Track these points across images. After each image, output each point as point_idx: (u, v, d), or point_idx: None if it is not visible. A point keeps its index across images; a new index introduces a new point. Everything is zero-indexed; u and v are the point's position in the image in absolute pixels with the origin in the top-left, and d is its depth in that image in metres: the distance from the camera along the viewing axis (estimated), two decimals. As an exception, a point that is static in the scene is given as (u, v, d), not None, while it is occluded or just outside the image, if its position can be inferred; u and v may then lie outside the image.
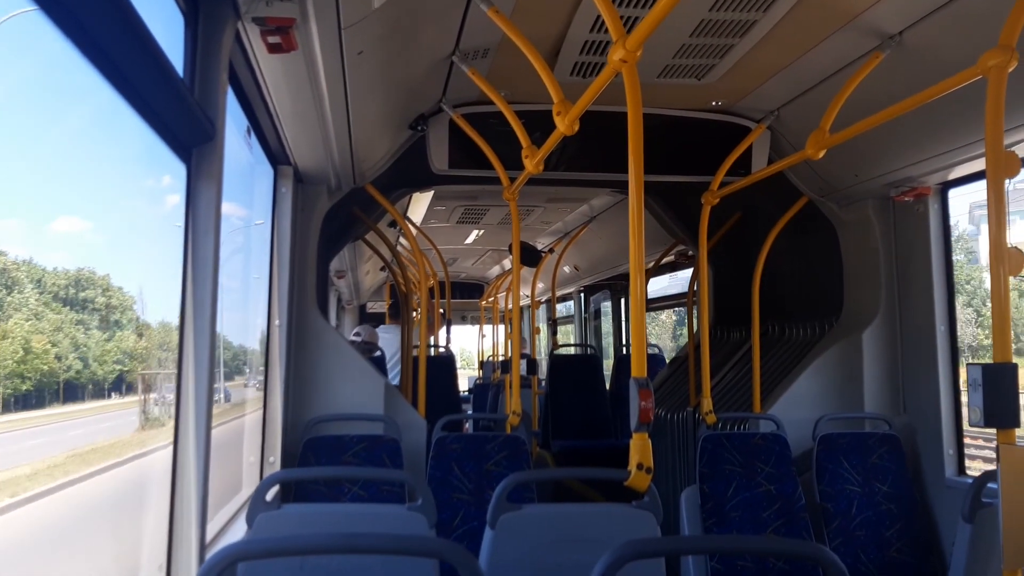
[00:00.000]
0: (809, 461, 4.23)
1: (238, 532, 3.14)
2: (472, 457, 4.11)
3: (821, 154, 3.66)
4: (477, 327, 14.37)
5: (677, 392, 5.91)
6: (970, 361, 4.23)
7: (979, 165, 3.77)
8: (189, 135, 2.24)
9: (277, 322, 4.04)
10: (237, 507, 3.63)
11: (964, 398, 4.24)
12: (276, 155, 3.89)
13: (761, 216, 5.24)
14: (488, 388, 9.97)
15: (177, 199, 2.33)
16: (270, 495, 2.65)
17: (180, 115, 2.11)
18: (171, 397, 2.34)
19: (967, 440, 4.50)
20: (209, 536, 2.51)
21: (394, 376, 7.74)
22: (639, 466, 2.35)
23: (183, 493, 2.27)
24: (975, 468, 5.36)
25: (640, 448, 2.34)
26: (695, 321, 6.15)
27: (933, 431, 4.24)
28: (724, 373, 5.60)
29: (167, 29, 2.11)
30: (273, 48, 2.42)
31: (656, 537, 2.70)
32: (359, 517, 2.66)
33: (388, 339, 8.23)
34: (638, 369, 2.31)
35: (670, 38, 3.57)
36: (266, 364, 4.06)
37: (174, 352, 2.33)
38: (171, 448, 2.31)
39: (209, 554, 1.86)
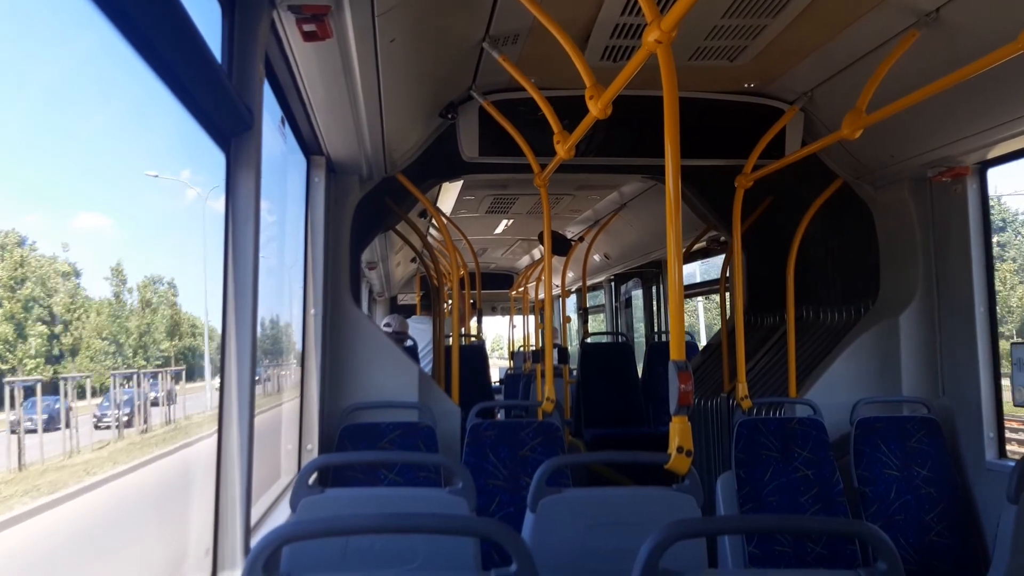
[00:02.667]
0: (846, 446, 4.19)
1: (280, 516, 3.18)
2: (507, 443, 4.13)
3: (857, 134, 3.61)
4: (506, 317, 14.38)
5: (711, 378, 5.88)
6: (1015, 341, 4.15)
7: (1020, 143, 3.70)
8: (228, 124, 2.27)
9: (313, 311, 4.08)
10: (277, 493, 3.67)
11: (1005, 380, 4.21)
12: (309, 145, 3.92)
13: (794, 199, 5.19)
14: (519, 379, 9.98)
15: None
16: (311, 480, 2.69)
17: (220, 104, 2.13)
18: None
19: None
20: (253, 520, 2.54)
21: (426, 366, 7.78)
22: (679, 449, 2.34)
23: (228, 479, 2.31)
24: (1015, 453, 5.28)
25: (680, 431, 2.34)
26: (728, 307, 6.11)
27: (973, 414, 4.18)
28: (758, 359, 5.56)
29: (206, 20, 2.14)
30: (308, 36, 2.44)
31: (702, 517, 2.69)
32: (401, 500, 2.68)
33: (421, 329, 8.27)
34: (677, 352, 2.31)
35: (702, 19, 3.54)
36: (303, 352, 4.11)
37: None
38: (215, 435, 2.34)
39: (254, 538, 1.89)
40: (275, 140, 3.59)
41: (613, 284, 11.61)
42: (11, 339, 1.79)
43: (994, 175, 4.30)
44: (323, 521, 1.61)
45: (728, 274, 6.25)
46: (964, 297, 4.22)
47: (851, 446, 4.15)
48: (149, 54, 1.77)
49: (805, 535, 3.78)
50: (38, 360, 1.89)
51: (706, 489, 2.90)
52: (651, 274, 10.41)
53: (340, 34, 2.57)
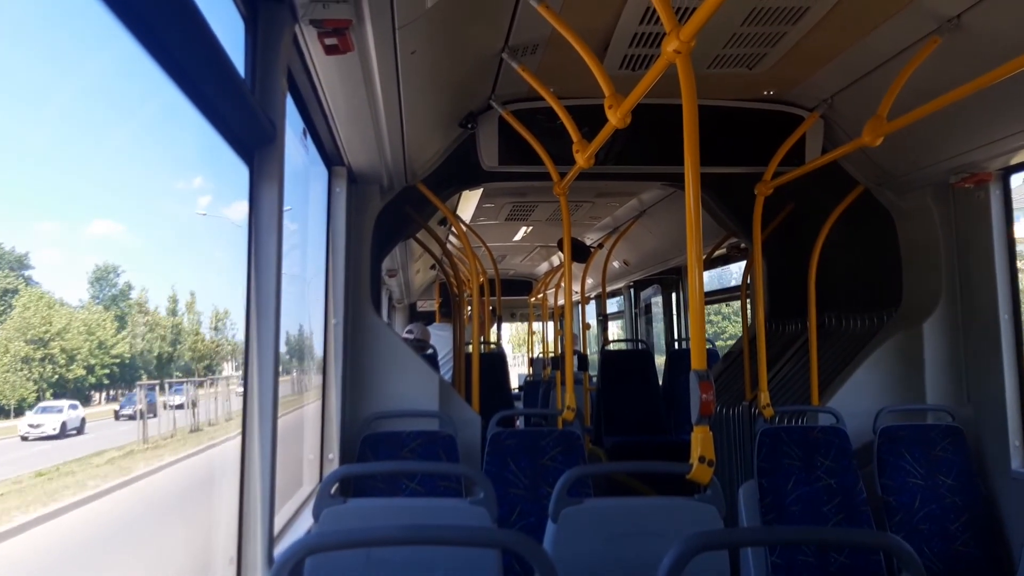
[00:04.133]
0: (869, 454, 4.16)
1: (303, 525, 3.20)
2: (527, 452, 4.13)
3: (879, 142, 3.59)
4: (525, 323, 14.38)
5: (732, 386, 5.85)
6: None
7: None
8: (251, 137, 2.29)
9: (334, 321, 4.11)
10: (300, 502, 3.70)
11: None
12: (330, 156, 3.95)
13: (815, 206, 5.16)
14: (538, 385, 9.97)
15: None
16: (333, 490, 2.71)
17: (243, 118, 2.16)
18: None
19: None
20: (276, 528, 2.56)
21: (445, 373, 7.80)
22: (701, 459, 2.34)
23: (251, 488, 2.32)
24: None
25: (702, 441, 2.33)
26: (749, 314, 6.09)
27: (998, 422, 4.13)
28: (780, 366, 5.53)
29: (229, 35, 2.17)
30: (330, 50, 2.47)
31: (725, 528, 2.68)
32: (423, 511, 2.69)
33: (442, 337, 8.29)
34: (698, 361, 2.30)
35: (721, 28, 3.54)
36: (324, 362, 4.13)
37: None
38: (239, 444, 2.36)
39: (277, 547, 1.90)
40: (297, 152, 3.63)
41: (632, 291, 11.59)
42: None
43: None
44: (346, 532, 1.62)
45: (749, 281, 6.23)
46: (988, 304, 4.18)
47: (874, 455, 4.12)
48: (174, 69, 1.80)
49: (829, 546, 3.75)
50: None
51: (728, 498, 2.89)
52: (671, 281, 10.39)
53: (361, 47, 2.59)
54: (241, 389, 2.37)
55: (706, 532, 1.74)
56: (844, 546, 3.37)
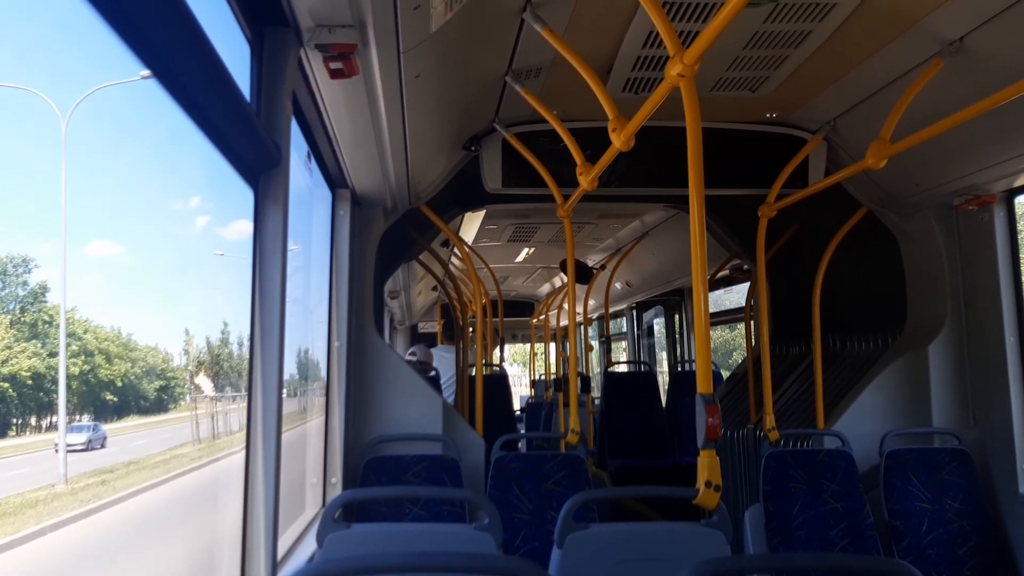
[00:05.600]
0: (876, 478, 4.13)
1: (306, 550, 3.18)
2: (531, 476, 4.10)
3: (882, 164, 3.59)
4: (527, 344, 14.36)
5: (737, 409, 5.82)
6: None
7: None
8: (257, 161, 2.30)
9: (337, 343, 4.10)
10: (303, 527, 3.67)
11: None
12: (335, 179, 3.96)
13: (819, 228, 5.16)
14: (540, 407, 9.93)
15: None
16: (336, 515, 2.68)
17: (248, 141, 2.16)
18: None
19: None
20: (280, 553, 2.54)
21: (448, 395, 7.77)
22: (707, 484, 2.32)
23: (254, 513, 2.31)
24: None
25: (708, 465, 2.31)
26: (753, 336, 6.07)
27: (1005, 445, 4.11)
28: (785, 389, 5.51)
29: (235, 60, 2.17)
30: (335, 74, 2.47)
31: (733, 555, 2.65)
32: (428, 536, 2.67)
33: (445, 359, 8.26)
34: (704, 385, 2.29)
35: (724, 51, 3.55)
36: (327, 385, 4.12)
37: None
38: (243, 469, 2.35)
39: (281, 572, 1.88)
40: (301, 174, 3.63)
41: (635, 312, 11.57)
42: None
43: None
44: (350, 560, 1.61)
45: (753, 303, 6.22)
46: (994, 326, 4.17)
47: (881, 478, 4.09)
48: (179, 93, 1.80)
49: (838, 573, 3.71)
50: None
51: (733, 521, 2.87)
52: (673, 302, 10.37)
53: (366, 71, 2.60)
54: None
55: (714, 560, 1.72)
56: (854, 573, 3.34)
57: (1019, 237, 4.21)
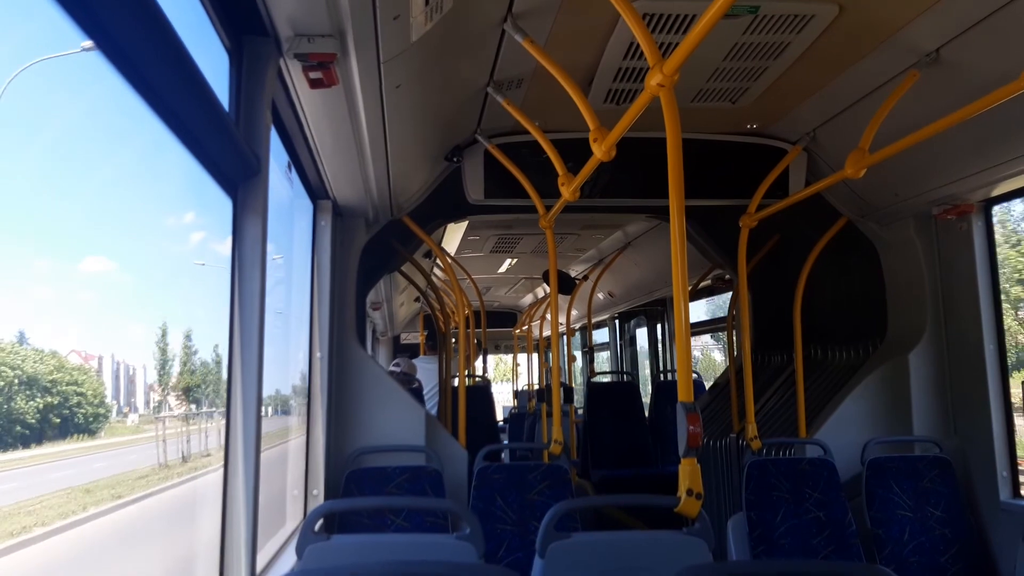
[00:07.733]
0: (858, 486, 4.14)
1: (286, 563, 3.14)
2: (514, 487, 4.08)
3: (861, 174, 3.62)
4: (509, 354, 14.34)
5: (719, 418, 5.84)
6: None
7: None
8: (235, 170, 2.28)
9: (318, 355, 4.07)
10: (283, 539, 3.63)
11: (1019, 418, 4.17)
12: (315, 190, 3.94)
13: (800, 238, 5.19)
14: (524, 417, 9.91)
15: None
16: (317, 526, 2.66)
17: (227, 151, 2.15)
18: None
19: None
20: (259, 566, 2.51)
21: (431, 406, 7.73)
22: (689, 492, 2.31)
23: (233, 525, 2.28)
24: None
25: (689, 474, 2.31)
26: (735, 346, 6.09)
27: (986, 453, 4.13)
28: (767, 398, 5.53)
29: (213, 69, 2.16)
30: (314, 83, 2.46)
31: (714, 563, 2.65)
32: (409, 547, 2.64)
33: (428, 370, 8.23)
34: (685, 393, 2.29)
35: (704, 62, 3.57)
36: (308, 397, 4.09)
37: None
38: (221, 482, 2.32)
39: None
40: (282, 185, 3.61)
41: (618, 322, 11.59)
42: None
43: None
44: (329, 571, 1.59)
45: (735, 313, 6.24)
46: (973, 334, 4.20)
47: (863, 487, 4.10)
48: (156, 102, 1.79)
49: None
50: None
51: (716, 530, 2.87)
52: (655, 312, 10.40)
53: (346, 81, 2.59)
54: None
55: (695, 567, 1.71)
56: None
57: (996, 246, 4.26)
